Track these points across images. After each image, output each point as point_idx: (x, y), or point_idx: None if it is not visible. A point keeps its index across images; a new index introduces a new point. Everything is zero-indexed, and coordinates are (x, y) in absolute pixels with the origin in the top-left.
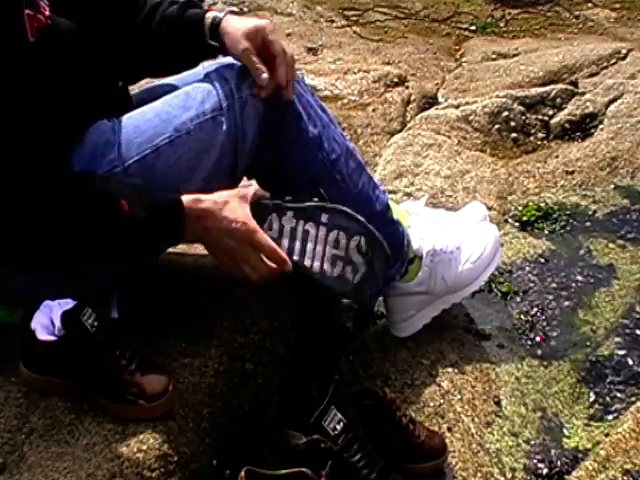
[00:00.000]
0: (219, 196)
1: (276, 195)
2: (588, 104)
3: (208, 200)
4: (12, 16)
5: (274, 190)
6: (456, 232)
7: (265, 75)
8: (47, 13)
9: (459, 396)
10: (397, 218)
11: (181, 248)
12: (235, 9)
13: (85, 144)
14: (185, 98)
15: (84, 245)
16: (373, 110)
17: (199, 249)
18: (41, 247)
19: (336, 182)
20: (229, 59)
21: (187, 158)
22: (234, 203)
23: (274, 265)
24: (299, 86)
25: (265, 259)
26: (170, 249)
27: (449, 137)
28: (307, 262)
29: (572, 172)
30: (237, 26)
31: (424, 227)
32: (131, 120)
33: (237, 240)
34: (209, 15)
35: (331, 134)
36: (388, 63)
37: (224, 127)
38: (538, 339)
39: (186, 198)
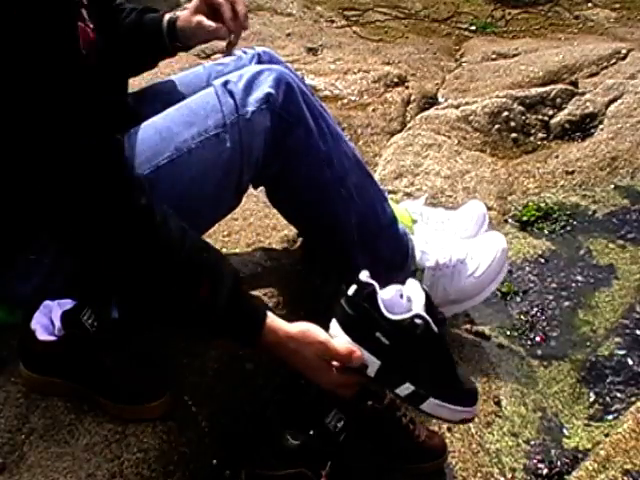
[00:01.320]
0: (303, 332)
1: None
2: (588, 104)
3: (289, 334)
4: (70, 26)
5: (280, 201)
6: (461, 243)
7: (221, 29)
8: (92, 26)
9: None
10: (403, 229)
11: None
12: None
13: None
14: (187, 113)
15: (153, 300)
16: (373, 110)
17: None
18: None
19: (343, 199)
20: (230, 59)
21: (190, 177)
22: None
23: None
24: (310, 95)
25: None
26: None
27: (449, 137)
28: None
29: (572, 172)
30: (187, 11)
31: (428, 235)
32: (132, 138)
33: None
34: (166, 17)
35: (342, 149)
36: (388, 63)
37: (228, 144)
38: (538, 339)
39: (270, 321)
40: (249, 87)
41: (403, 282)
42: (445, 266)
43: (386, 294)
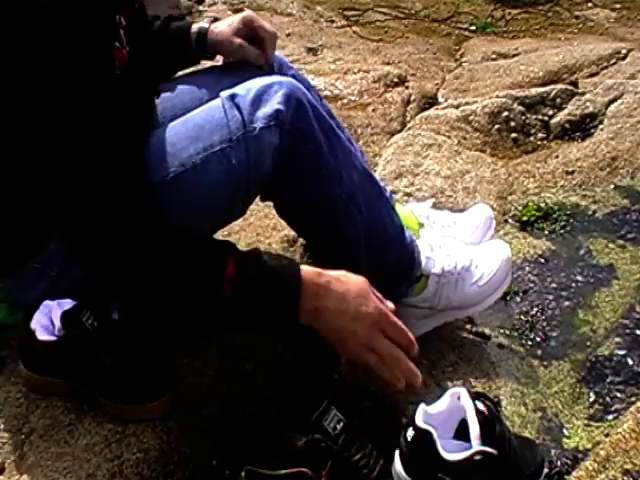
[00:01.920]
0: (344, 274)
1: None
2: (588, 104)
3: (330, 275)
4: (107, 48)
5: (288, 215)
6: (467, 250)
7: (262, 58)
8: (127, 48)
9: None
10: (410, 237)
11: None
12: (216, 16)
13: None
14: (192, 127)
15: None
16: (373, 110)
17: None
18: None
19: (351, 215)
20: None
21: (195, 193)
22: (361, 284)
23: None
24: (320, 108)
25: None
26: None
27: (449, 137)
28: None
29: (572, 172)
30: (224, 29)
31: (434, 241)
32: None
33: (363, 324)
34: (194, 27)
35: (351, 162)
36: (388, 63)
37: (234, 161)
38: (538, 339)
39: (305, 269)
40: (257, 101)
41: (406, 290)
42: (450, 273)
43: (440, 411)
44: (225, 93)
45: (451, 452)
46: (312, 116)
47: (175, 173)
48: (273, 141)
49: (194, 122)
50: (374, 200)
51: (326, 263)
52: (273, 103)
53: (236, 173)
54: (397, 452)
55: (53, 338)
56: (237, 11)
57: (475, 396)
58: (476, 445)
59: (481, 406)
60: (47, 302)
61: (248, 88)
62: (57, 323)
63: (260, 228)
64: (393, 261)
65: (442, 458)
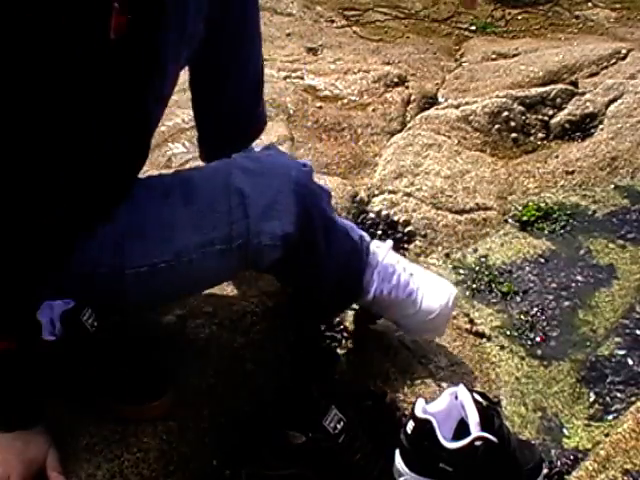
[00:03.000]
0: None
1: None
2: (588, 104)
3: None
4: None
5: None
6: (411, 282)
7: None
8: (129, 15)
9: None
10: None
11: None
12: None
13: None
14: (195, 214)
15: None
16: (373, 110)
17: None
18: None
19: (333, 285)
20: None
21: (189, 282)
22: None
23: None
24: (327, 207)
25: None
26: None
27: (449, 137)
28: None
29: (572, 172)
30: None
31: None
32: (133, 223)
33: None
34: None
35: (346, 249)
36: (388, 63)
37: (233, 261)
38: (538, 339)
39: None
40: (268, 212)
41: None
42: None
43: (440, 410)
44: (235, 183)
45: (450, 440)
46: (320, 227)
47: (170, 263)
48: (274, 256)
49: (197, 208)
50: (353, 263)
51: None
52: (284, 222)
53: (231, 268)
54: (397, 450)
55: (53, 338)
56: None
57: (473, 391)
58: (476, 432)
59: (479, 398)
60: (47, 302)
61: (262, 190)
62: (57, 323)
63: None
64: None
65: (443, 446)
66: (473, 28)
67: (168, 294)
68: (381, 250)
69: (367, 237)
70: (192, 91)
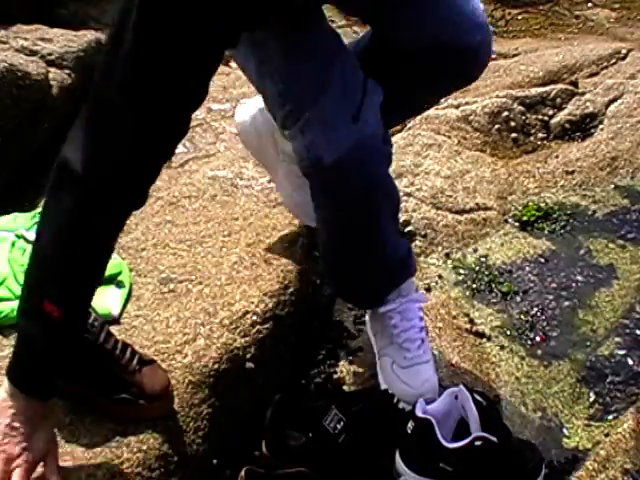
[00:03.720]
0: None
1: None
2: (588, 104)
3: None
4: None
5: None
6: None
7: None
8: None
9: None
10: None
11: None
12: None
13: None
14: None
15: None
16: None
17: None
18: None
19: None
20: None
21: None
22: None
23: None
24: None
25: None
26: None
27: (449, 137)
28: None
29: (572, 172)
30: None
31: None
32: None
33: None
34: None
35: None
36: None
37: None
38: (538, 339)
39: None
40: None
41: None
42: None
43: (440, 410)
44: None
45: (450, 441)
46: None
47: None
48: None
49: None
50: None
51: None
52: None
53: None
54: (397, 450)
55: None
56: None
57: (473, 391)
58: (476, 432)
59: (479, 398)
60: None
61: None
62: None
63: (260, 228)
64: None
65: (443, 446)
66: None
67: None
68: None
69: None
70: None
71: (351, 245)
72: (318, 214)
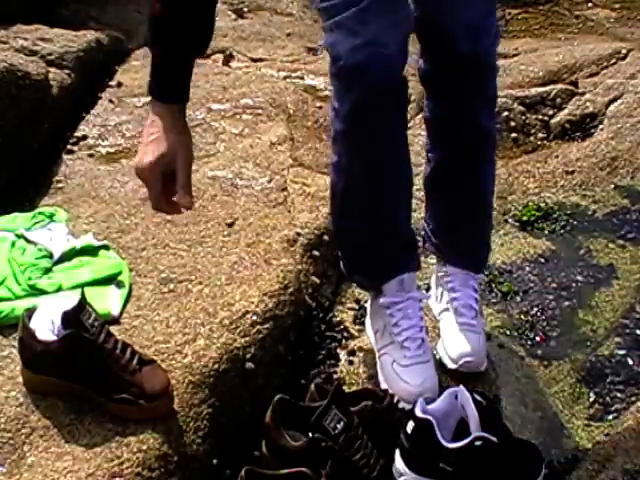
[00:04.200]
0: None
1: None
2: (588, 104)
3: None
4: None
5: None
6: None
7: None
8: None
9: None
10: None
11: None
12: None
13: None
14: None
15: None
16: None
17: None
18: None
19: None
20: None
21: None
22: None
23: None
24: None
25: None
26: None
27: None
28: None
29: (572, 172)
30: None
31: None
32: None
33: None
34: None
35: None
36: None
37: None
38: (538, 339)
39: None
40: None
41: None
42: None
43: (440, 410)
44: None
45: (450, 441)
46: None
47: None
48: None
49: None
50: None
51: None
52: None
53: None
54: (397, 450)
55: (53, 338)
56: (237, 11)
57: (473, 391)
58: (476, 432)
59: (479, 398)
60: (47, 302)
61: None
62: (57, 323)
63: (260, 228)
64: None
65: (443, 446)
66: None
67: None
68: None
69: None
70: None
71: (362, 191)
72: (335, 149)
